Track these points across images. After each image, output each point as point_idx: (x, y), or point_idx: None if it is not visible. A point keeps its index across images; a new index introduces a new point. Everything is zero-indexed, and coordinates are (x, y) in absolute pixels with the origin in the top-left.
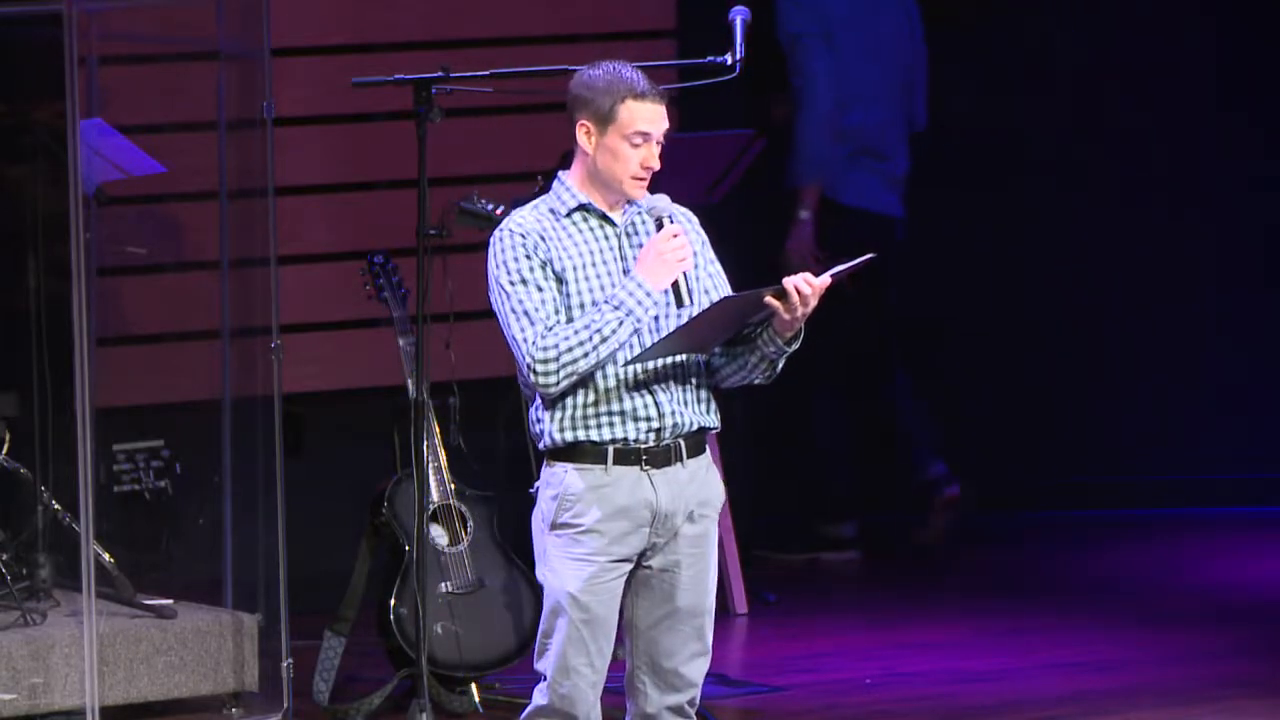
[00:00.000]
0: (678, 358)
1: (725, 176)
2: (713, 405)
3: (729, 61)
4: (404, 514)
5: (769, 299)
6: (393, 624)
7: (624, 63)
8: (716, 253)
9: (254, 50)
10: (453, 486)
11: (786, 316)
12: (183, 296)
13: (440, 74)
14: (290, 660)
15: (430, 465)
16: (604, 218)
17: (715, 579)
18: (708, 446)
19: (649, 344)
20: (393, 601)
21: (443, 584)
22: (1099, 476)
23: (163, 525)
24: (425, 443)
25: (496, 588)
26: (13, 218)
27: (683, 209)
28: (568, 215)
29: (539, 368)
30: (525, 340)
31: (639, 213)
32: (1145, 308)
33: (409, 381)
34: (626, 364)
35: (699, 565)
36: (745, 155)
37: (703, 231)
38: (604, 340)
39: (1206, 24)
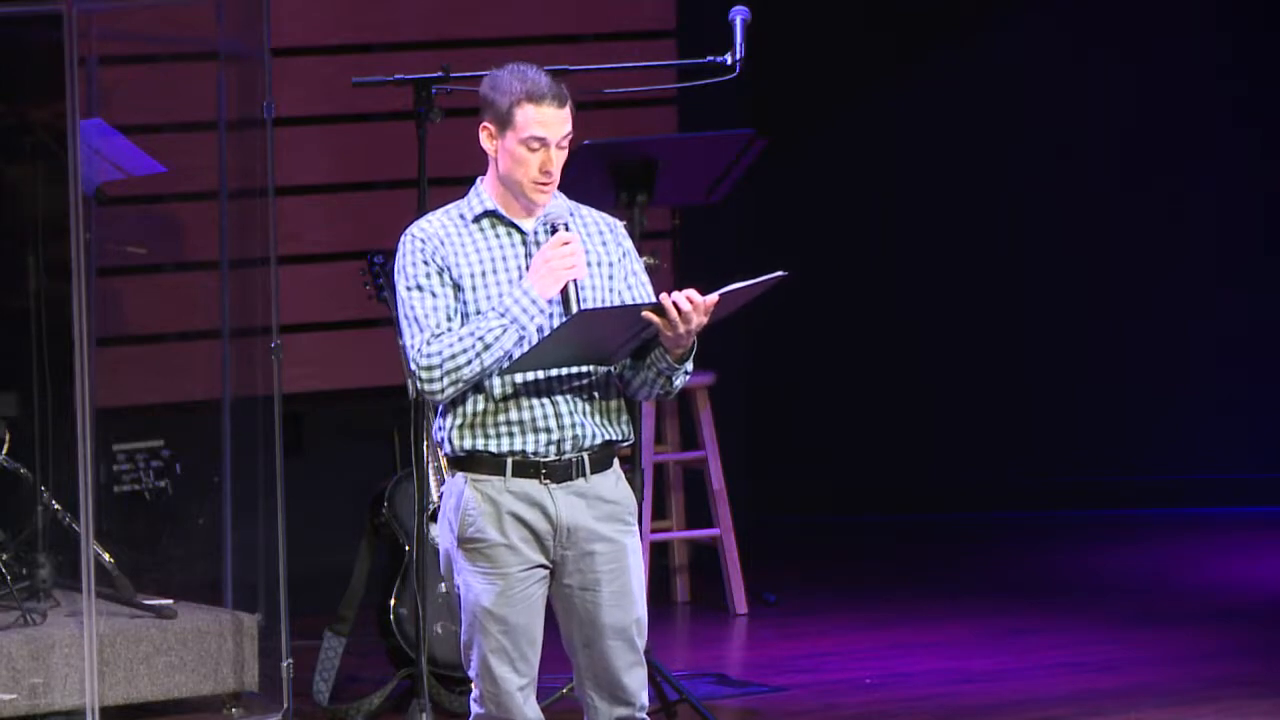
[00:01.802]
0: (584, 368)
1: (725, 176)
2: (623, 417)
3: (729, 61)
4: (404, 514)
5: (648, 314)
6: (393, 624)
7: (530, 65)
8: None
9: (254, 50)
10: None
11: (669, 333)
12: (183, 296)
13: (440, 74)
14: (290, 660)
15: (430, 465)
16: (512, 225)
17: (642, 588)
18: (616, 459)
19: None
20: (393, 601)
21: (443, 584)
22: (1099, 476)
23: (163, 525)
24: (425, 443)
25: None
26: (13, 218)
27: (608, 218)
28: (475, 221)
29: (423, 374)
30: (412, 346)
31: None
32: (1145, 307)
33: (409, 381)
34: (503, 374)
35: (620, 580)
36: (745, 155)
37: (626, 242)
38: (487, 348)
39: (1206, 22)
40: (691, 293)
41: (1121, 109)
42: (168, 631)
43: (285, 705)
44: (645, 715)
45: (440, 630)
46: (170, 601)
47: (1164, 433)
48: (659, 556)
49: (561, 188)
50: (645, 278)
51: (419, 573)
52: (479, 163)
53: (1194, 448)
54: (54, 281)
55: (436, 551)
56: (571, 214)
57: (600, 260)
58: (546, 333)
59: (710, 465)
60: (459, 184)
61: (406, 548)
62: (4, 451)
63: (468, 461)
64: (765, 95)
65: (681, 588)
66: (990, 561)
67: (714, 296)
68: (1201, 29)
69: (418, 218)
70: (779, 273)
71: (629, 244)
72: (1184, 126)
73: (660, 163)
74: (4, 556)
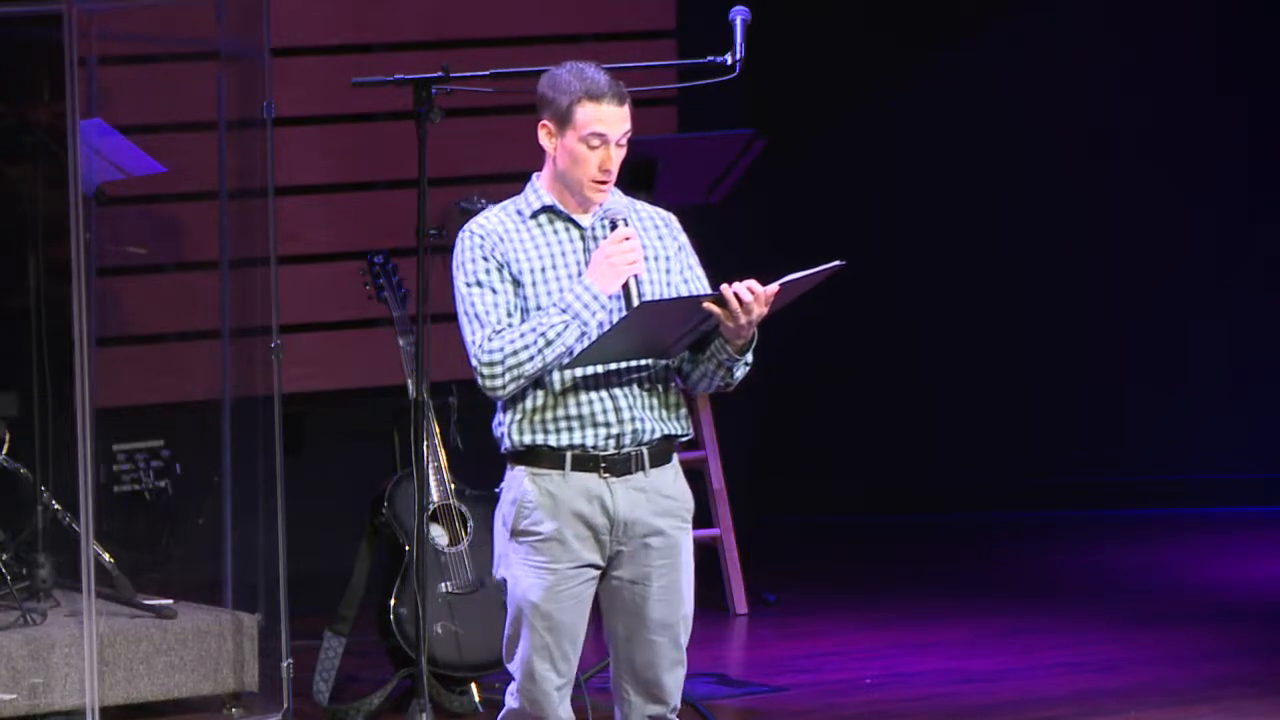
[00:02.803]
0: (643, 362)
1: (725, 176)
2: (682, 412)
3: (729, 61)
4: (404, 514)
5: (708, 305)
6: (393, 624)
7: (590, 63)
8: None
9: (254, 50)
10: (453, 486)
11: (730, 324)
12: (183, 296)
13: (440, 74)
14: (290, 660)
15: (430, 465)
16: (570, 220)
17: (691, 586)
18: (675, 455)
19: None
20: (393, 601)
21: (443, 584)
22: (1099, 476)
23: (163, 525)
24: (425, 443)
25: (496, 588)
26: (13, 218)
27: (663, 212)
28: (533, 216)
29: (485, 370)
30: (473, 343)
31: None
32: (1144, 307)
33: (409, 381)
34: (564, 368)
35: (670, 576)
36: (745, 155)
37: (681, 236)
38: (549, 344)
39: (1206, 22)
40: (752, 283)
41: (1121, 109)
42: (168, 631)
43: (285, 705)
44: (676, 717)
45: (440, 630)
46: (170, 601)
47: (1164, 433)
48: None
49: None
50: (700, 271)
51: (419, 573)
52: (479, 162)
53: (1194, 448)
54: (54, 281)
55: (437, 552)
56: (628, 209)
57: (657, 254)
58: (607, 328)
59: (710, 465)
60: (459, 184)
61: (406, 548)
62: (4, 451)
63: (527, 456)
64: (765, 95)
65: None
66: (990, 561)
67: (774, 286)
68: (1201, 29)
69: (419, 218)
70: (837, 262)
71: (684, 238)
72: (1184, 126)
73: (660, 163)
74: (4, 556)
